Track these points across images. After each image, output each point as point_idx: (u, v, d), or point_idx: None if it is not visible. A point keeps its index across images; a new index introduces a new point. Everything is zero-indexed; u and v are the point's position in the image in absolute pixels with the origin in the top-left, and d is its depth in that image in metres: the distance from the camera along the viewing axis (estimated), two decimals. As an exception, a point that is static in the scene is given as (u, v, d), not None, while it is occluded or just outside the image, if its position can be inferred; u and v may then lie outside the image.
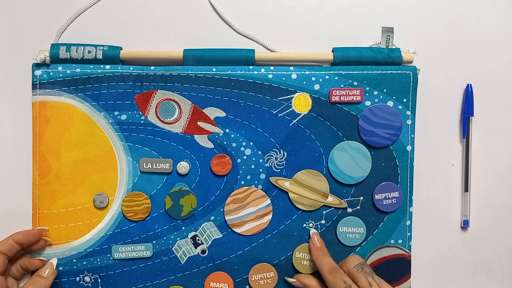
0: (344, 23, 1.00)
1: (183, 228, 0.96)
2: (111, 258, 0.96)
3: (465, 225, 0.99)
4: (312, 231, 0.96)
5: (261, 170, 0.96)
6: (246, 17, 0.99)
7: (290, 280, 0.95)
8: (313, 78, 0.95)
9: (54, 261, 0.93)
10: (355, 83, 0.95)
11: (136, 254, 0.95)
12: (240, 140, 0.95)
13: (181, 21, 0.99)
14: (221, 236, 0.96)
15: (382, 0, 1.00)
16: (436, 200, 1.00)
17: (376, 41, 0.99)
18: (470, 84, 0.99)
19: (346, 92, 0.94)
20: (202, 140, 0.95)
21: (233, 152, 0.96)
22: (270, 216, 0.96)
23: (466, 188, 0.99)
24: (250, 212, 0.96)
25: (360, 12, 1.00)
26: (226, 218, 0.96)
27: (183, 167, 0.95)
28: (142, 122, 0.95)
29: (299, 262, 0.96)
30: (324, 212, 0.96)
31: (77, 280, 0.96)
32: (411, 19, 1.00)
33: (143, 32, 0.99)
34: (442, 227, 1.00)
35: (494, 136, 1.00)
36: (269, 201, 0.96)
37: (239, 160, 0.96)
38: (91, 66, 0.94)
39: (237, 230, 0.96)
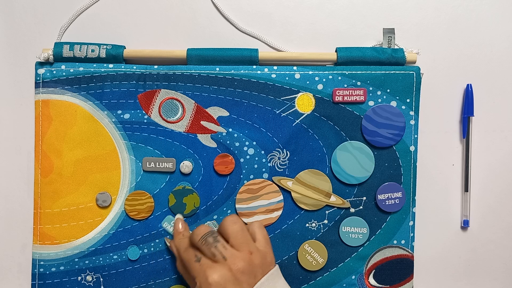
0: (344, 23, 1.00)
1: (186, 227, 0.96)
2: (114, 256, 0.95)
3: (465, 225, 1.00)
4: (177, 216, 0.96)
5: (264, 169, 0.96)
6: (247, 17, 0.99)
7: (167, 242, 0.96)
8: (317, 78, 0.95)
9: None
10: (359, 83, 0.95)
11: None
12: (243, 139, 0.95)
13: (184, 20, 0.99)
14: (224, 235, 0.96)
15: (382, 0, 1.00)
16: (436, 200, 1.00)
17: (377, 41, 0.99)
18: (470, 84, 0.99)
19: (349, 92, 0.94)
20: (205, 140, 0.95)
21: (236, 152, 0.96)
22: (279, 212, 0.96)
23: (466, 188, 1.00)
24: (261, 205, 0.96)
25: (360, 12, 1.00)
26: (237, 206, 0.96)
27: (186, 166, 0.95)
28: (145, 121, 0.95)
29: (304, 254, 0.96)
30: (327, 212, 0.96)
31: (79, 280, 0.95)
32: (411, 19, 1.00)
33: (146, 31, 0.98)
34: (442, 227, 1.01)
35: (494, 136, 1.01)
36: (281, 197, 0.96)
37: (242, 160, 0.96)
38: (94, 65, 0.94)
39: (245, 219, 0.96)
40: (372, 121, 0.95)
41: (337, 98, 0.95)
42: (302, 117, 0.95)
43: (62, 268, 0.95)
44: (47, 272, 0.95)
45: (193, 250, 0.84)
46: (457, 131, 1.00)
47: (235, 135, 0.95)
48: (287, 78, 0.95)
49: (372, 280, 0.97)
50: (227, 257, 0.80)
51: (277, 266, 0.85)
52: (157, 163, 0.95)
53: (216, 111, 0.95)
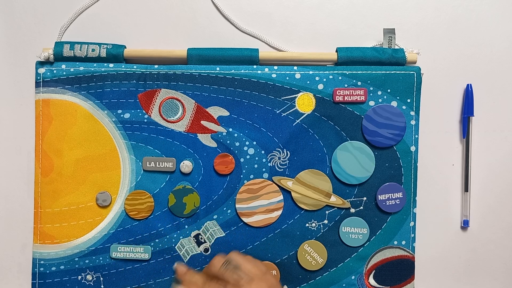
0: (344, 23, 1.00)
1: (186, 226, 0.96)
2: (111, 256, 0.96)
3: (465, 225, 1.00)
4: (175, 266, 0.96)
5: (264, 169, 0.96)
6: (247, 17, 0.99)
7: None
8: (317, 78, 0.95)
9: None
10: (359, 83, 0.95)
11: (134, 255, 0.95)
12: (244, 139, 0.95)
13: (184, 20, 0.99)
14: (224, 235, 0.96)
15: (382, 0, 1.00)
16: (436, 200, 1.00)
17: (377, 41, 0.99)
18: (470, 84, 0.99)
19: (350, 92, 0.94)
20: (206, 139, 0.95)
21: (236, 152, 0.96)
22: (279, 212, 0.96)
23: (466, 188, 1.00)
24: (261, 205, 0.96)
25: (360, 12, 1.00)
26: (237, 206, 0.96)
27: (186, 166, 0.95)
28: (145, 120, 0.95)
29: (303, 254, 0.96)
30: (327, 212, 0.96)
31: (79, 279, 0.95)
32: (411, 19, 1.00)
33: (146, 31, 0.98)
34: (442, 227, 1.01)
35: (494, 136, 1.00)
36: (281, 197, 0.96)
37: (242, 160, 0.96)
38: (95, 65, 0.94)
39: (245, 219, 0.96)
40: (373, 121, 0.95)
41: (338, 98, 0.94)
42: (302, 117, 0.95)
43: (62, 267, 0.95)
44: (47, 272, 0.95)
45: (215, 283, 0.85)
46: (457, 131, 1.00)
47: (235, 135, 0.95)
48: (287, 78, 0.95)
49: (372, 281, 0.97)
50: (253, 278, 0.83)
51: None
52: (157, 163, 0.95)
53: (216, 111, 0.95)
